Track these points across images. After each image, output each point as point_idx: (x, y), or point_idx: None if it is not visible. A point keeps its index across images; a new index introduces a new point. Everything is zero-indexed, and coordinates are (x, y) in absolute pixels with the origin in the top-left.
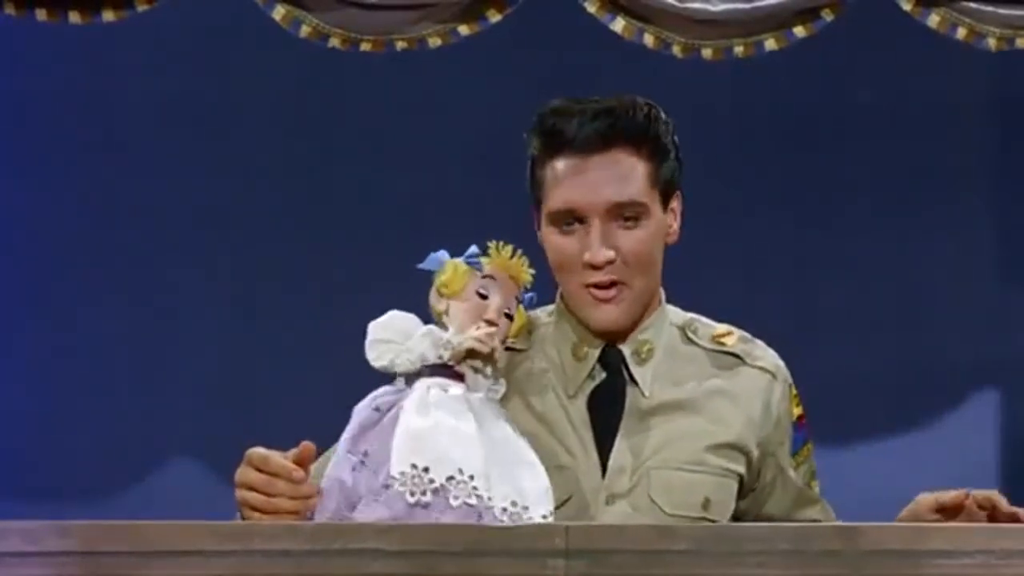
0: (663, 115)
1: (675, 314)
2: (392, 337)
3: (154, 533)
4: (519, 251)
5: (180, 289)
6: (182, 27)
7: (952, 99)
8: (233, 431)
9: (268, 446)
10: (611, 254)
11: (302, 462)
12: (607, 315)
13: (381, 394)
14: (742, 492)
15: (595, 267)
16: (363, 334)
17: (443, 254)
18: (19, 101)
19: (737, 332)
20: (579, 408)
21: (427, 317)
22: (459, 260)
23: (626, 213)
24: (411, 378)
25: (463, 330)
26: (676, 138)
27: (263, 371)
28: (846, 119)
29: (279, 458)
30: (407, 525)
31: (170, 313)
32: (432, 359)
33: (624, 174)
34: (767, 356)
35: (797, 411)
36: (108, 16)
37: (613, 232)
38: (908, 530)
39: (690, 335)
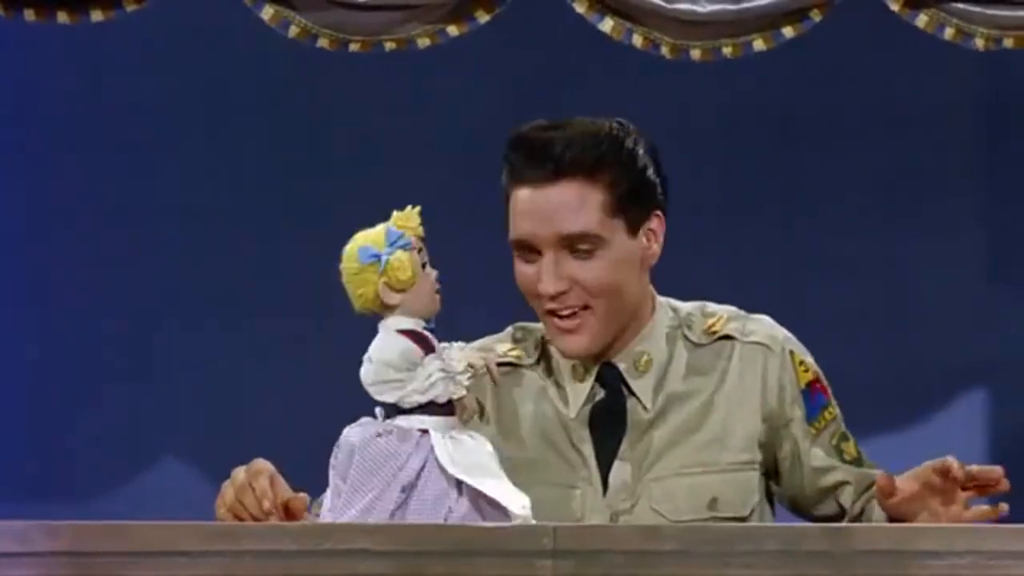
0: (631, 140)
1: (672, 316)
2: (399, 375)
3: (144, 533)
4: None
5: (170, 288)
6: (171, 27)
7: (940, 99)
8: (224, 432)
9: (261, 446)
10: (562, 285)
11: (290, 507)
12: (572, 344)
13: (389, 455)
14: (771, 475)
15: (551, 297)
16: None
17: (365, 249)
18: (10, 101)
19: (726, 313)
20: (580, 428)
21: None
22: (396, 248)
23: (578, 245)
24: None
25: (428, 309)
26: (652, 159)
27: (254, 372)
28: (834, 119)
29: (263, 476)
30: (395, 525)
31: (160, 312)
32: (444, 399)
33: (574, 206)
34: (760, 329)
35: (806, 377)
36: (96, 16)
37: (567, 263)
38: (897, 531)
39: (687, 334)
